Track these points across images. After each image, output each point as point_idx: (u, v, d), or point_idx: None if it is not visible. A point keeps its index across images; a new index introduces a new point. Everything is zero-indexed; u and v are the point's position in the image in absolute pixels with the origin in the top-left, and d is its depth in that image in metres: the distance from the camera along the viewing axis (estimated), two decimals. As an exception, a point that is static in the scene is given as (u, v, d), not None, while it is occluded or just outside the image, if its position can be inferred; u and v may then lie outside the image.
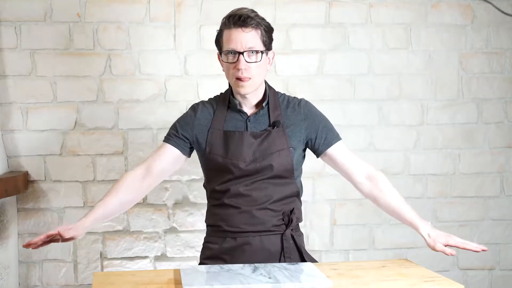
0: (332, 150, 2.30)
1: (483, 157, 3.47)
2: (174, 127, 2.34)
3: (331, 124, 2.35)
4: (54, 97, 3.15)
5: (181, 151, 2.30)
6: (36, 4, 3.10)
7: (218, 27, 3.19)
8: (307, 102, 2.36)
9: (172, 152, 2.30)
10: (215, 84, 3.21)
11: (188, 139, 2.29)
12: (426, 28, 3.39)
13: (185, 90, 3.22)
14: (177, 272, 2.05)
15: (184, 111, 3.18)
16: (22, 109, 3.13)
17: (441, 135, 3.44)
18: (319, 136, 2.28)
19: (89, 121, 3.17)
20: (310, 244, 3.32)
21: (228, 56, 2.20)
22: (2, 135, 3.10)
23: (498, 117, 3.47)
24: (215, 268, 2.04)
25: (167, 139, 2.32)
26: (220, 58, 2.27)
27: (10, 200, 3.04)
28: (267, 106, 2.28)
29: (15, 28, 3.10)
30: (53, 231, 2.05)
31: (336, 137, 2.32)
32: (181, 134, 2.29)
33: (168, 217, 3.24)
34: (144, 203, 3.22)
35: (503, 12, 3.42)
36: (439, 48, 3.41)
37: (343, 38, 3.33)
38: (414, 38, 3.38)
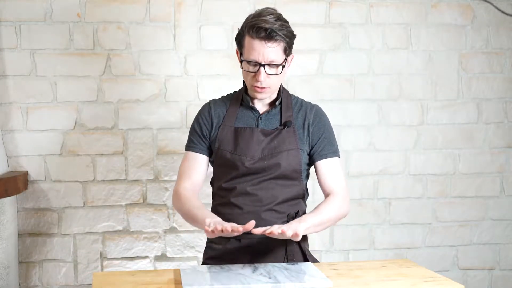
0: (321, 164, 2.28)
1: (483, 157, 3.48)
2: (194, 132, 2.32)
3: (334, 138, 2.32)
4: (54, 97, 3.15)
5: (208, 155, 2.31)
6: (36, 4, 3.10)
7: (218, 27, 3.22)
8: (319, 109, 2.34)
9: (203, 159, 2.31)
10: (215, 84, 3.21)
11: (209, 139, 2.29)
12: (426, 28, 3.39)
13: (185, 90, 3.22)
14: (177, 272, 2.04)
15: (184, 111, 3.22)
16: (22, 109, 3.13)
17: (441, 135, 3.44)
18: (317, 145, 2.28)
19: (89, 121, 3.17)
20: (310, 244, 3.32)
21: (249, 65, 2.17)
22: (2, 135, 3.10)
23: (498, 117, 3.48)
24: (215, 268, 2.04)
25: (193, 147, 2.31)
26: (239, 55, 2.24)
27: (10, 200, 3.04)
28: (279, 105, 2.28)
29: (15, 28, 3.10)
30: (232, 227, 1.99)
31: (332, 153, 2.29)
32: (203, 137, 2.29)
33: (168, 217, 3.24)
34: (144, 203, 3.22)
35: (503, 12, 3.42)
36: (439, 48, 3.41)
37: (343, 38, 3.33)
38: (414, 38, 3.38)
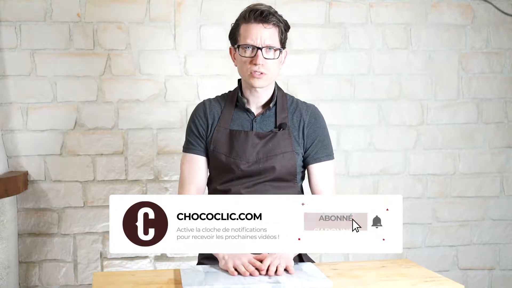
0: (314, 167, 2.27)
1: (483, 157, 3.48)
2: (191, 133, 2.31)
3: (329, 141, 2.31)
4: (54, 97, 3.15)
5: (207, 156, 2.30)
6: (36, 4, 3.10)
7: (218, 27, 3.22)
8: (315, 110, 2.32)
9: (203, 160, 2.29)
10: (215, 84, 3.21)
11: (205, 139, 2.29)
12: (426, 28, 3.39)
13: (185, 90, 3.22)
14: (177, 272, 2.05)
15: (184, 111, 3.22)
16: (22, 109, 3.13)
17: (441, 135, 3.44)
18: (311, 148, 2.27)
19: (89, 121, 3.17)
20: (310, 244, 3.32)
21: (246, 50, 2.18)
22: (2, 135, 3.11)
23: (498, 117, 3.48)
24: (215, 268, 2.04)
25: (191, 149, 2.29)
26: (233, 52, 2.25)
27: (10, 200, 3.04)
28: (274, 107, 2.27)
29: (15, 28, 3.10)
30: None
31: (326, 156, 2.28)
32: (200, 137, 2.28)
33: (168, 217, 3.24)
34: (144, 203, 3.21)
35: (503, 12, 3.43)
36: (439, 48, 3.41)
37: (343, 38, 3.33)
38: (414, 38, 3.38)
